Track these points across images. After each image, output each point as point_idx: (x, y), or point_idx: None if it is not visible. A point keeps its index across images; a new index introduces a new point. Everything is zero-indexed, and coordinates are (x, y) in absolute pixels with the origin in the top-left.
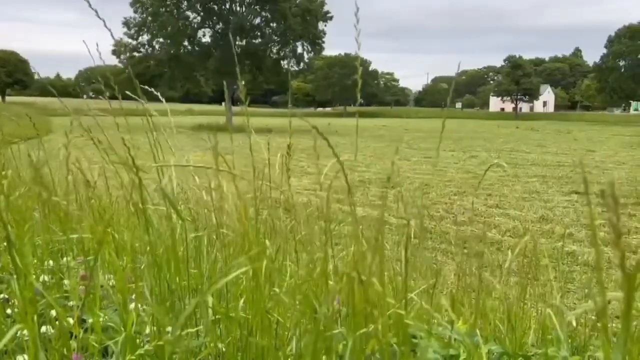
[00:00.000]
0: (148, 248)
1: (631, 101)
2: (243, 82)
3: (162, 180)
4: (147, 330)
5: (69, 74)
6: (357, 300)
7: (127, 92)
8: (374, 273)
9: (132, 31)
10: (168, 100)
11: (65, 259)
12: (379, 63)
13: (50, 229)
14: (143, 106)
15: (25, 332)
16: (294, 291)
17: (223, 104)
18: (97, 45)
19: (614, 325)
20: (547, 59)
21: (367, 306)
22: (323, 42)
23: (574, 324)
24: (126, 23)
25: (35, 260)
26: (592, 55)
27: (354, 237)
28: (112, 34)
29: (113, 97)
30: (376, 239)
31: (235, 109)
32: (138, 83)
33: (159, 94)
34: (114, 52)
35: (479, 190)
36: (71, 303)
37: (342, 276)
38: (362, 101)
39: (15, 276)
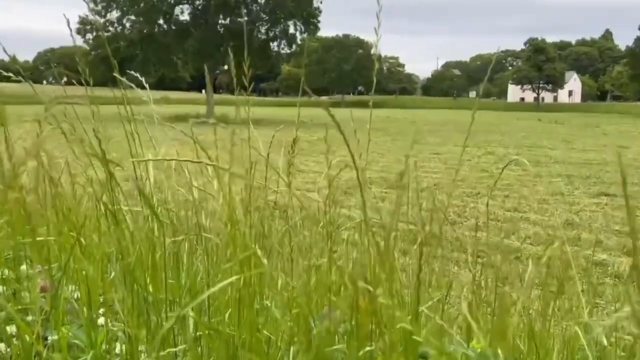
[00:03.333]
0: (120, 254)
1: None
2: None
3: (139, 177)
4: (118, 349)
5: (26, 56)
6: (361, 314)
7: (82, 78)
8: (382, 283)
9: (100, 7)
10: (140, 87)
11: (23, 266)
12: (383, 45)
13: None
14: (122, 92)
15: None
16: (288, 304)
17: (204, 91)
18: (68, 21)
19: None
20: (573, 42)
21: (374, 321)
22: (318, 21)
23: (605, 342)
24: None
25: None
26: (625, 38)
27: (359, 243)
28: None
29: (79, 82)
30: (386, 245)
31: (217, 97)
32: (115, 65)
33: (142, 79)
34: (78, 32)
35: (496, 192)
36: (30, 318)
37: (342, 286)
38: (362, 89)
39: None
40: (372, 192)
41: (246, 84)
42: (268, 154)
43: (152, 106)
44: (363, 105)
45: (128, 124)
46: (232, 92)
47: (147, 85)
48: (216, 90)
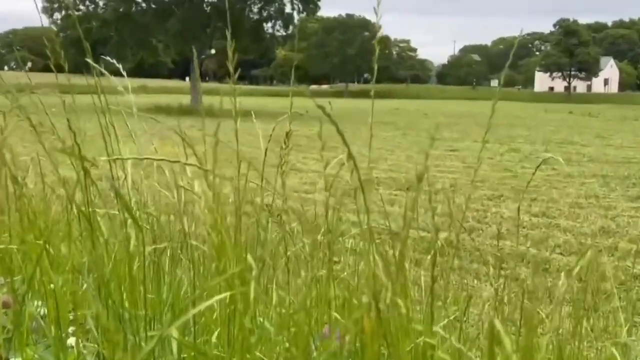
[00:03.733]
0: (93, 265)
1: None
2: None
3: (114, 176)
4: None
5: None
6: (369, 335)
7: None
8: (394, 300)
9: None
10: (114, 74)
11: None
12: (391, 27)
13: None
14: (95, 80)
15: None
16: (284, 322)
17: (187, 78)
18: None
19: None
20: (609, 23)
21: (384, 343)
22: None
23: None
24: None
25: None
26: None
27: (365, 252)
28: None
29: (46, 68)
30: (395, 255)
31: (204, 85)
32: (87, 48)
33: (118, 65)
34: (44, 10)
35: (521, 194)
36: None
37: (345, 302)
38: (368, 76)
39: None
40: (379, 194)
41: (231, 70)
42: (266, 151)
43: (130, 96)
44: (369, 95)
45: (102, 116)
46: (220, 80)
47: (124, 72)
48: (202, 77)
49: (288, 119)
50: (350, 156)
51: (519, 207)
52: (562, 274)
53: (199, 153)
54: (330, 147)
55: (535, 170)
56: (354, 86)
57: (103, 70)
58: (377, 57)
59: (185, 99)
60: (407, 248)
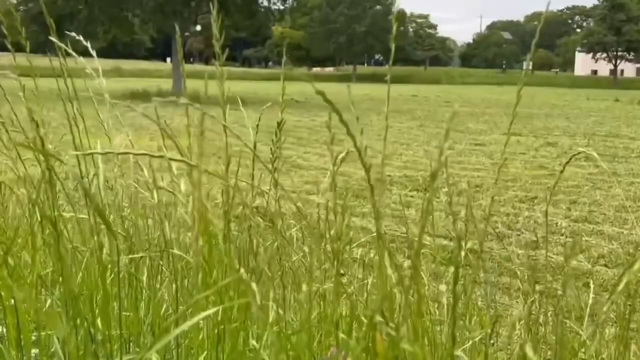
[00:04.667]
0: (60, 278)
1: None
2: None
3: (84, 174)
4: None
5: None
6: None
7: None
8: (408, 319)
9: None
10: (82, 54)
11: None
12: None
13: None
14: (60, 61)
15: None
16: (282, 344)
17: (169, 60)
18: None
19: None
20: None
21: None
22: None
23: None
24: None
25: None
26: None
27: (376, 263)
28: None
29: (2, 47)
30: (415, 267)
31: (188, 68)
32: (52, 24)
33: (87, 44)
34: None
35: (559, 195)
36: None
37: (353, 322)
38: (380, 57)
39: None
40: (393, 195)
41: (218, 50)
42: (255, 145)
43: (101, 80)
44: (381, 79)
45: (69, 103)
46: (206, 62)
47: (94, 52)
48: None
49: (280, 106)
50: (357, 150)
51: (546, 211)
52: (609, 289)
53: (182, 147)
54: (338, 140)
55: (565, 166)
56: (364, 68)
57: (69, 50)
58: (395, 34)
59: (167, 84)
60: (424, 259)
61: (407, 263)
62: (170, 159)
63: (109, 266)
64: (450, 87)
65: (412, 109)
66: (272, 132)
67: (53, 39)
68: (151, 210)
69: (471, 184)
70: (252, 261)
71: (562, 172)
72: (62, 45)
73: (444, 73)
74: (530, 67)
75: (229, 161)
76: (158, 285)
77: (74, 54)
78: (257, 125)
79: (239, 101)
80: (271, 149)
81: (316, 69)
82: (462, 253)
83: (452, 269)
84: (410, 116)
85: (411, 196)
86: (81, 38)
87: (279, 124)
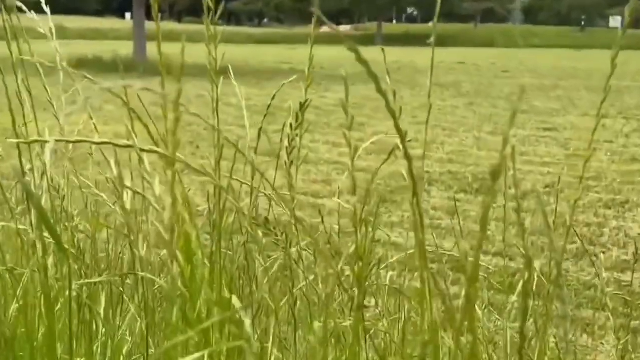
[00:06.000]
0: None
1: None
2: None
3: (25, 170)
4: None
5: None
6: None
7: None
8: None
9: None
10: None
11: None
12: None
13: None
14: None
15: None
16: None
17: (128, 16)
18: None
19: None
20: None
21: None
22: None
23: None
24: None
25: None
26: None
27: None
28: None
29: None
30: (469, 298)
31: (151, 26)
32: None
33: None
34: None
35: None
36: None
37: None
38: (414, 12)
39: None
40: (432, 198)
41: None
42: (260, 133)
43: (54, 43)
44: (414, 41)
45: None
46: (178, 18)
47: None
48: (151, 14)
49: (280, 80)
50: (399, 133)
51: None
52: None
53: (154, 135)
54: (357, 123)
55: None
56: (392, 27)
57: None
58: None
59: (125, 48)
60: (480, 285)
61: (454, 291)
62: (143, 150)
63: (57, 295)
64: (509, 52)
65: (457, 82)
66: (270, 114)
67: None
68: (113, 219)
69: (539, 184)
70: (248, 287)
71: None
72: None
73: (500, 32)
74: (624, 24)
75: (221, 153)
76: (120, 321)
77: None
78: (269, 106)
79: (231, 73)
80: (288, 136)
81: (327, 29)
82: (531, 277)
83: (514, 298)
84: (456, 91)
85: (458, 200)
86: None
87: (302, 104)
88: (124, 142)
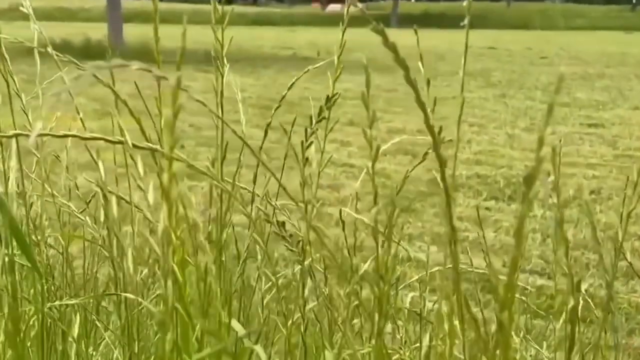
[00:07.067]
0: None
1: None
2: None
3: None
4: None
5: None
6: None
7: None
8: None
9: None
10: None
11: None
12: None
13: None
14: None
15: None
16: None
17: None
18: None
19: None
20: None
21: None
22: None
23: None
24: None
25: None
26: None
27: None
28: None
29: None
30: (502, 325)
31: (132, 6)
32: None
33: None
34: None
35: None
36: None
37: None
38: None
39: None
40: (457, 207)
41: None
42: (266, 131)
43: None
44: (435, 21)
45: None
46: None
47: None
48: None
49: (284, 67)
50: (430, 132)
51: None
52: None
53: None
54: (363, 118)
55: None
56: (409, 6)
57: None
58: None
59: (97, 31)
60: (517, 307)
61: (488, 315)
62: (136, 147)
63: (26, 319)
64: (547, 34)
65: (487, 69)
66: (267, 108)
67: None
68: (89, 230)
69: (583, 189)
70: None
71: None
72: None
73: (537, 12)
74: None
75: (224, 153)
76: (95, 352)
77: None
78: (281, 99)
79: (239, 59)
80: (305, 130)
81: (334, 6)
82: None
83: (557, 326)
84: (484, 81)
85: (486, 208)
86: None
87: (329, 98)
88: (117, 138)
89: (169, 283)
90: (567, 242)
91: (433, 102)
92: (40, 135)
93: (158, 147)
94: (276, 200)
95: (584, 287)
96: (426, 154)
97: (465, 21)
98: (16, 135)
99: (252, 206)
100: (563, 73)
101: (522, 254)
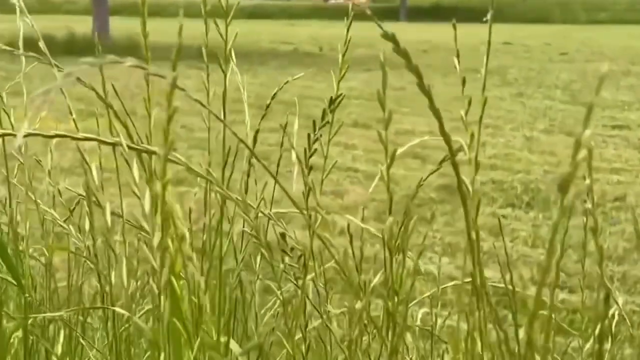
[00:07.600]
0: None
1: None
2: None
3: None
4: None
5: None
6: None
7: None
8: None
9: None
10: None
11: None
12: None
13: None
14: None
15: None
16: None
17: None
18: None
19: None
20: None
21: None
22: None
23: None
24: None
25: None
26: None
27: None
28: None
29: None
30: (528, 345)
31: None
32: None
33: None
34: None
35: None
36: None
37: None
38: None
39: None
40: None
41: None
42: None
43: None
44: (447, 15)
45: None
46: None
47: None
48: None
49: (281, 63)
50: (443, 136)
51: None
52: None
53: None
54: (369, 119)
55: None
56: None
57: None
58: None
59: (82, 25)
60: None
61: (504, 333)
62: (131, 148)
63: (7, 336)
64: (567, 29)
65: (502, 67)
66: (261, 107)
67: None
68: (74, 241)
69: (607, 195)
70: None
71: None
72: None
73: (557, 5)
74: None
75: (227, 157)
76: None
77: None
78: (272, 97)
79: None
80: (309, 136)
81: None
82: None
83: (589, 342)
84: (500, 79)
85: (503, 215)
86: None
87: (332, 99)
88: (111, 138)
89: (163, 298)
90: (603, 250)
91: (468, 102)
92: (28, 135)
93: (156, 149)
94: (270, 208)
95: (620, 301)
96: (442, 161)
97: (488, 16)
98: (2, 136)
99: (256, 214)
100: (585, 71)
101: (551, 268)
